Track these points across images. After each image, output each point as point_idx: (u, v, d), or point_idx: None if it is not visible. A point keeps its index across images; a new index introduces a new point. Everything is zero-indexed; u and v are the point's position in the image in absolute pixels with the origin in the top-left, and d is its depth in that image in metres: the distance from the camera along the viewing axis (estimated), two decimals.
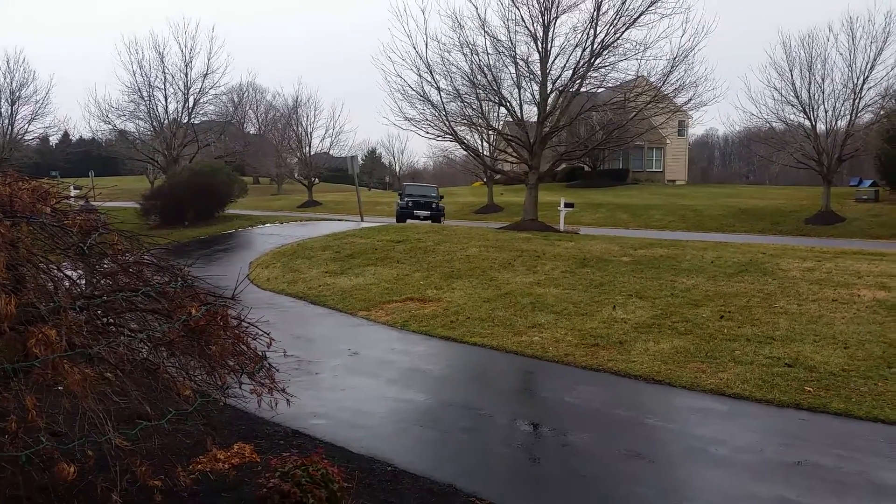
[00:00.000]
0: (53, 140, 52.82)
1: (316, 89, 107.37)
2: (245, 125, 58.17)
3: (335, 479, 4.25)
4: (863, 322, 9.42)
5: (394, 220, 28.82)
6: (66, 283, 4.17)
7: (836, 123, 28.47)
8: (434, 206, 29.23)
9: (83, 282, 4.35)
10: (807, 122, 28.73)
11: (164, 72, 35.61)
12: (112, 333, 4.16)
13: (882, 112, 28.09)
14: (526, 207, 23.65)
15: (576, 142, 28.56)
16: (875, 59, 26.86)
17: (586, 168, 47.79)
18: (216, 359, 4.29)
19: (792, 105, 28.56)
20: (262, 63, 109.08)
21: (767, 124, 31.03)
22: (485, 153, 29.24)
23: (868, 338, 8.76)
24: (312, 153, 48.58)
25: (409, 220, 27.97)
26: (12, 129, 36.42)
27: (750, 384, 7.38)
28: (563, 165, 38.25)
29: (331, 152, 50.95)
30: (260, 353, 4.67)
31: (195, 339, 4.26)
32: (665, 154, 52.20)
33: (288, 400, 4.59)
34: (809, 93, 28.03)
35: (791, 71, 28.21)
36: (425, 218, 28.46)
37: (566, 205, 22.86)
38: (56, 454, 3.14)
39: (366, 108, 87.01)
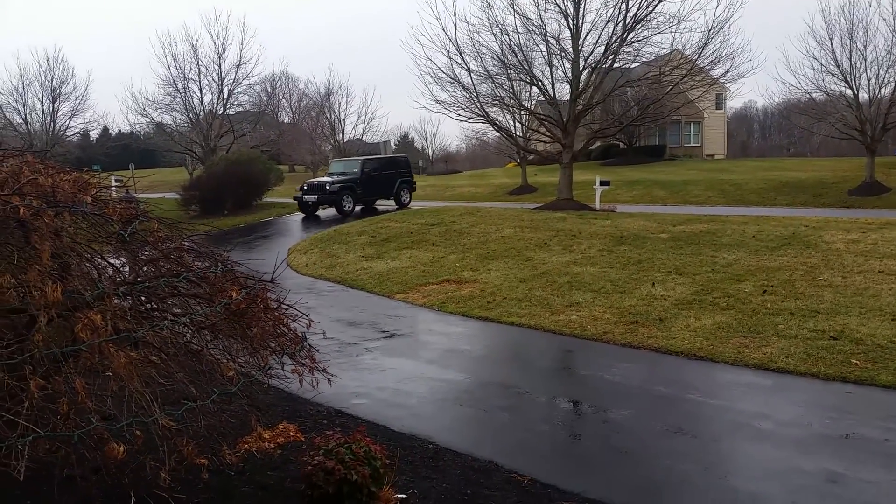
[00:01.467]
0: (94, 135, 54.02)
1: (347, 76, 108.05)
2: (279, 114, 58.65)
3: (378, 456, 4.30)
4: None
5: (426, 204, 27.34)
6: (110, 271, 4.27)
7: (879, 91, 27.44)
8: (330, 187, 23.74)
9: (126, 269, 4.44)
10: (848, 92, 27.78)
11: (197, 64, 36.07)
12: (156, 318, 4.25)
13: None
14: (560, 187, 23.40)
15: (610, 119, 28.14)
16: None
17: (621, 145, 47.09)
18: (257, 340, 4.36)
19: (832, 74, 27.63)
20: (293, 52, 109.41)
21: (807, 95, 30.06)
22: (517, 134, 28.96)
23: None
24: (346, 140, 48.84)
25: (322, 212, 24.51)
26: (54, 125, 37.29)
27: (794, 358, 7.24)
28: (598, 143, 37.79)
29: (364, 138, 51.20)
30: (300, 335, 4.73)
31: (236, 321, 4.34)
32: (703, 128, 51.09)
33: (329, 380, 4.65)
34: (851, 61, 27.07)
35: (831, 39, 27.27)
36: (314, 205, 24.13)
37: (601, 183, 22.57)
38: (106, 434, 3.24)
39: (397, 93, 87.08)
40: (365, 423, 5.40)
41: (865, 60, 27.11)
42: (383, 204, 25.95)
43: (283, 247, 18.22)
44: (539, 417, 6.11)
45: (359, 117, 57.18)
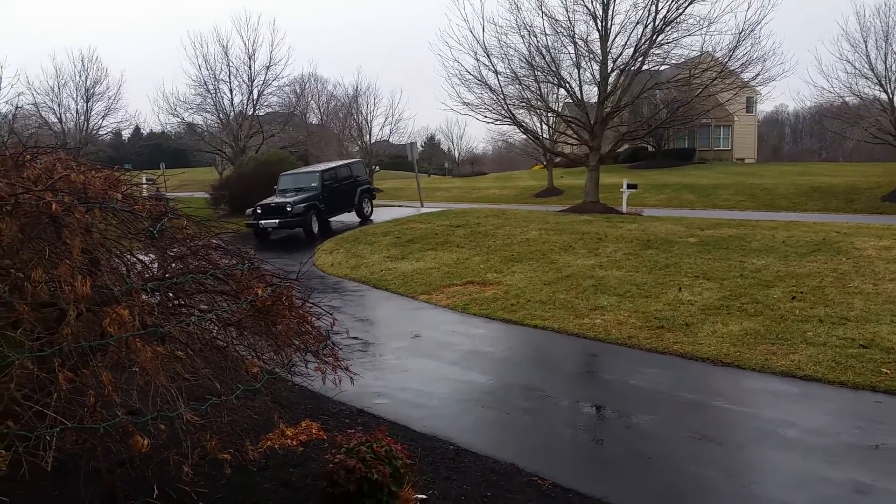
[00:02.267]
0: (125, 134, 55.03)
1: (375, 78, 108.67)
2: (307, 115, 59.08)
3: (399, 455, 4.31)
4: None
5: (452, 205, 26.09)
6: (139, 267, 4.34)
7: None
8: (293, 209, 19.55)
9: (154, 265, 4.51)
10: (883, 96, 27.27)
11: (228, 65, 36.48)
12: (182, 314, 4.31)
13: None
14: (587, 190, 23.26)
15: (638, 121, 27.87)
16: None
17: (650, 148, 46.67)
18: (282, 338, 4.40)
19: (866, 78, 27.16)
20: (322, 53, 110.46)
21: (840, 98, 29.58)
22: (544, 136, 28.88)
23: None
24: (373, 141, 49.04)
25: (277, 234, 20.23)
26: (87, 124, 38.01)
27: (823, 366, 7.11)
28: (625, 146, 37.55)
29: (390, 140, 51.33)
30: (324, 333, 4.77)
31: (262, 318, 4.38)
32: (733, 132, 50.43)
33: (352, 378, 4.67)
34: (886, 64, 26.58)
35: (865, 42, 26.81)
36: (274, 230, 20.02)
37: (629, 186, 22.39)
38: (131, 428, 3.29)
39: (424, 95, 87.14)
40: (386, 423, 5.42)
41: None
42: (339, 220, 22.87)
43: (309, 246, 18.36)
44: (561, 421, 6.08)
45: (386, 119, 57.18)
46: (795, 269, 11.09)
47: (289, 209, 19.32)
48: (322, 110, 60.28)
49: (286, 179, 21.87)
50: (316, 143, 49.70)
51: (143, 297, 4.10)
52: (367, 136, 48.35)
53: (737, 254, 12.51)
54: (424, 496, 4.27)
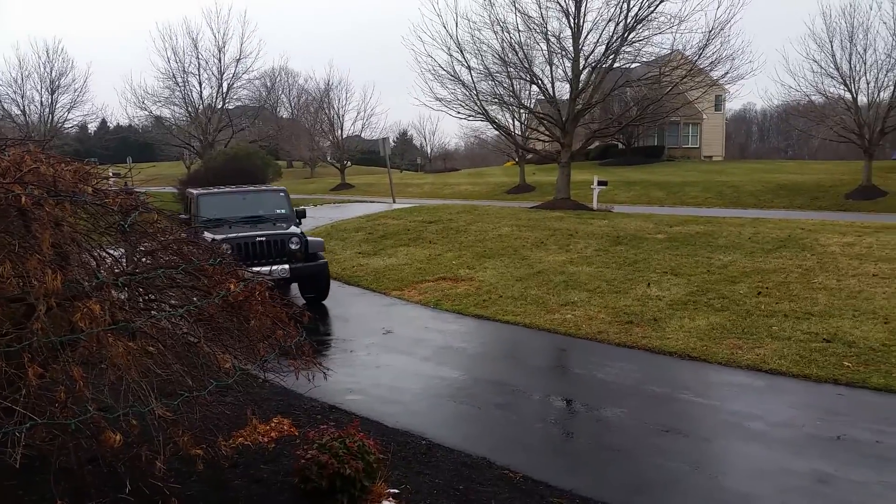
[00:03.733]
0: (92, 127, 54.05)
1: (347, 72, 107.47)
2: (278, 109, 58.67)
3: (371, 450, 4.33)
4: None
5: (424, 201, 25.85)
6: (109, 261, 4.29)
7: (878, 95, 27.56)
8: (296, 246, 10.72)
9: (124, 260, 4.47)
10: (847, 95, 27.87)
11: (197, 57, 36.15)
12: (154, 309, 4.28)
13: None
14: (558, 186, 23.46)
15: (609, 118, 28.19)
16: None
17: (620, 145, 47.16)
18: (255, 334, 4.38)
19: (832, 77, 27.73)
20: (293, 47, 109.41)
21: (806, 97, 30.15)
22: (516, 132, 28.99)
23: None
24: (344, 136, 48.80)
25: None
26: (52, 117, 37.27)
27: (787, 360, 7.29)
28: (596, 143, 37.84)
29: (362, 135, 51.14)
30: (297, 329, 4.76)
31: (234, 314, 4.36)
32: (702, 130, 51.16)
33: (325, 374, 4.68)
34: (850, 64, 27.16)
35: (831, 42, 27.37)
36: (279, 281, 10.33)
37: (599, 183, 22.62)
38: (103, 423, 3.26)
39: (397, 90, 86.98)
40: (359, 419, 5.43)
41: (865, 64, 27.20)
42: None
43: None
44: (532, 415, 6.15)
45: (358, 113, 57.11)
46: (761, 266, 11.33)
47: (292, 246, 10.58)
48: (293, 104, 59.89)
49: (226, 203, 11.66)
50: (286, 137, 49.32)
51: (114, 292, 4.06)
52: (339, 131, 48.05)
53: (704, 250, 12.73)
54: (397, 490, 4.30)
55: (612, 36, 21.38)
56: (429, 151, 77.84)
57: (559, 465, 5.04)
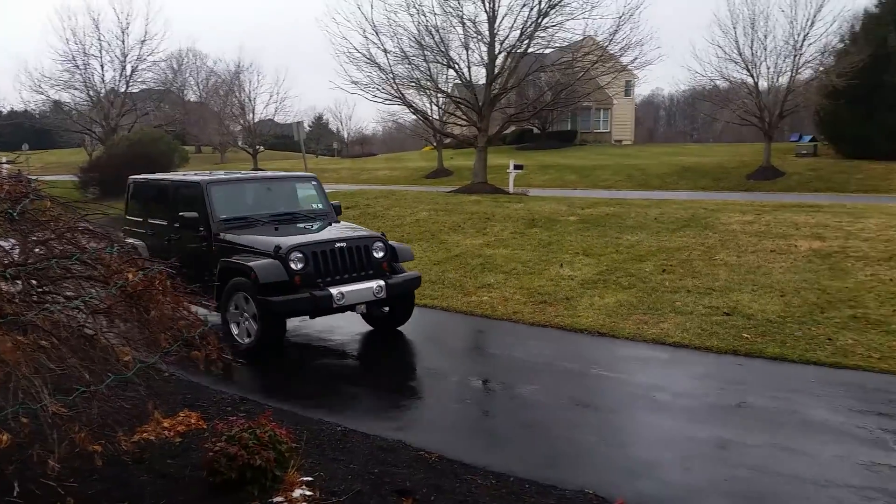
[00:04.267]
0: None
1: (259, 54, 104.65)
2: (185, 92, 56.46)
3: (283, 440, 4.26)
4: (799, 271, 9.78)
5: (341, 187, 24.94)
6: None
7: (777, 80, 29.10)
8: (381, 254, 7.78)
9: (15, 250, 4.21)
10: (749, 79, 29.28)
11: (99, 39, 34.14)
12: (47, 301, 4.05)
13: (821, 68, 28.75)
14: (475, 170, 23.63)
15: (524, 103, 28.53)
16: (815, 16, 27.40)
17: (535, 130, 47.90)
18: (156, 324, 4.21)
19: (735, 62, 29.04)
20: (202, 28, 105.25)
21: (711, 82, 31.54)
22: (434, 117, 28.97)
23: (804, 286, 9.11)
24: (256, 120, 47.51)
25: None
26: None
27: (690, 333, 7.63)
28: (512, 128, 38.28)
29: (275, 119, 49.96)
30: (202, 319, 4.61)
31: (133, 304, 4.18)
32: (612, 114, 52.61)
33: (231, 365, 4.55)
34: (752, 50, 28.53)
35: (735, 28, 28.64)
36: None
37: (515, 167, 22.94)
38: None
39: (312, 73, 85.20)
40: (271, 408, 5.33)
41: (766, 49, 28.64)
42: None
43: None
44: (449, 396, 6.20)
45: (270, 97, 55.66)
46: (666, 244, 11.80)
47: (379, 254, 7.81)
48: (201, 87, 57.73)
49: (232, 194, 8.51)
50: (195, 121, 47.59)
51: (3, 284, 3.82)
52: (251, 115, 46.74)
53: (613, 231, 13.14)
54: (310, 478, 4.24)
55: (526, 21, 21.64)
56: (346, 136, 76.83)
57: (475, 444, 5.10)
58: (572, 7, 21.45)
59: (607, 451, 4.97)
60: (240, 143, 50.08)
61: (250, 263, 6.99)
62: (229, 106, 48.39)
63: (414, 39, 22.59)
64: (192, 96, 57.05)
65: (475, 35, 22.61)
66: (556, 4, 21.31)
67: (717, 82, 31.03)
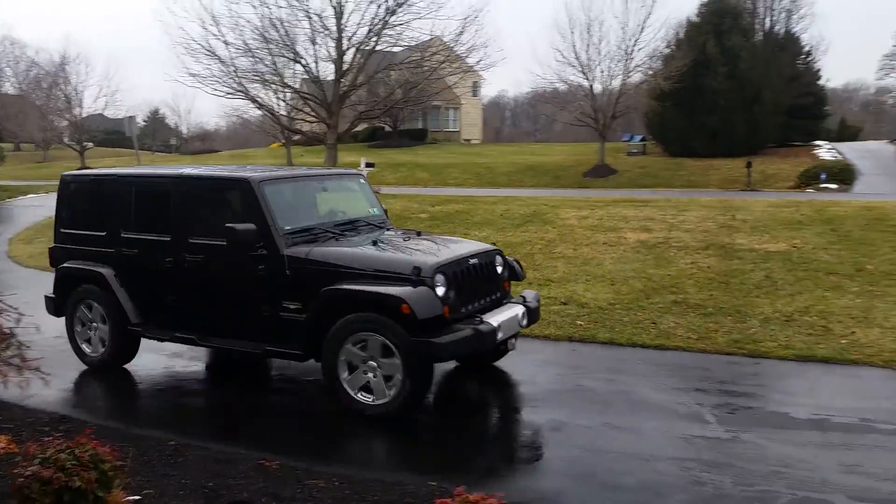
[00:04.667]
0: None
1: (87, 45, 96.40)
2: (2, 84, 51.26)
3: (107, 458, 3.93)
4: (628, 261, 10.51)
5: None
6: None
7: (610, 83, 31.16)
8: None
9: None
10: (585, 83, 31.11)
11: None
12: None
13: (650, 72, 31.09)
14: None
15: (375, 101, 28.51)
16: (644, 22, 29.61)
17: (387, 128, 48.05)
18: None
19: (573, 66, 30.75)
20: (21, 14, 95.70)
21: (552, 85, 33.19)
22: (281, 112, 28.16)
23: (631, 274, 9.80)
24: (84, 115, 43.93)
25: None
26: None
27: None
28: (364, 125, 38.11)
29: (105, 113, 46.52)
30: (7, 331, 4.16)
31: None
32: (461, 114, 53.93)
33: (44, 379, 4.15)
34: (588, 54, 30.33)
35: (572, 33, 30.30)
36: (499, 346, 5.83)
37: (367, 164, 22.86)
38: None
39: (147, 65, 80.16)
40: (94, 426, 4.91)
41: (600, 54, 30.54)
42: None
43: (1, 236, 15.93)
44: (299, 402, 6.03)
45: (100, 90, 51.43)
46: (511, 239, 12.24)
47: (501, 269, 6.27)
48: (21, 79, 52.66)
49: (289, 194, 6.25)
50: (13, 116, 43.26)
51: None
52: (78, 110, 43.15)
53: (462, 226, 13.45)
54: (138, 497, 3.96)
55: (374, 18, 21.58)
56: (185, 131, 72.95)
57: (320, 449, 4.99)
58: (419, 6, 21.70)
59: (450, 441, 5.05)
60: (66, 140, 46.03)
61: (393, 292, 5.05)
62: (53, 99, 44.40)
63: (258, 32, 21.85)
64: (9, 89, 51.89)
65: (322, 30, 22.26)
66: (404, 3, 21.47)
67: (557, 85, 32.70)
